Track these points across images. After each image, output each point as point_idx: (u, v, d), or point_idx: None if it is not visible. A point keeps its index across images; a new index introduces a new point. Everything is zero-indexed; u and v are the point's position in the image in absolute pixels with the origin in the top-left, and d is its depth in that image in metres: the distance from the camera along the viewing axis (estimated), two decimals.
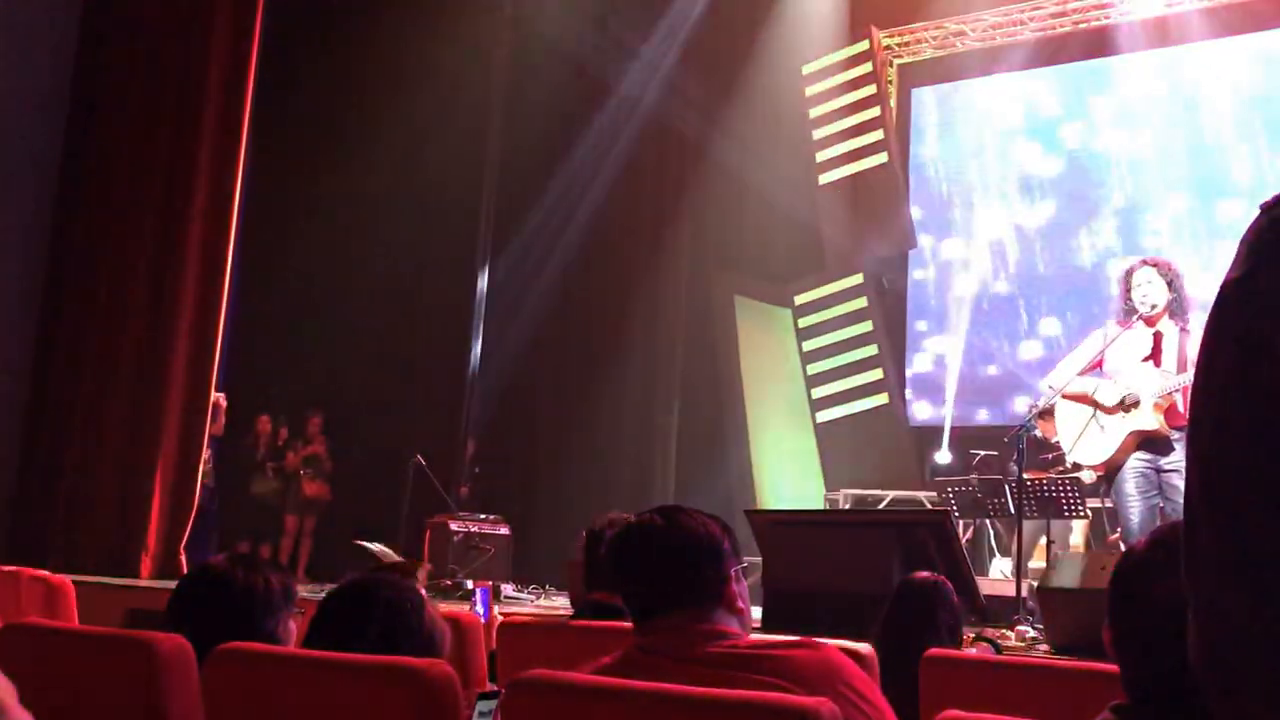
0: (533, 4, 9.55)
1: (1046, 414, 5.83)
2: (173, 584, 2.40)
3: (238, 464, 9.22)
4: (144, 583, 6.10)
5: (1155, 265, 5.01)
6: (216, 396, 7.14)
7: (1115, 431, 4.93)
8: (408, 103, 9.28)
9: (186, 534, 6.61)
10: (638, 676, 1.65)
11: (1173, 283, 4.94)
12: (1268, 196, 0.99)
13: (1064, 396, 5.18)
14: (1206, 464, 0.93)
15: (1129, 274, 5.01)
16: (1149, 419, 4.85)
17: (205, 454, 6.98)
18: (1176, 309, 4.94)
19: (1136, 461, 4.86)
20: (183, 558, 6.51)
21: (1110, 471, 4.99)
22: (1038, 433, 6.70)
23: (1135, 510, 4.82)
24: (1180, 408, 4.75)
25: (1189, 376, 4.70)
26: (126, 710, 2.02)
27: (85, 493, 6.60)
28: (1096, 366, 5.12)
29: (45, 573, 3.72)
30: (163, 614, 2.26)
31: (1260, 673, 0.87)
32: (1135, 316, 4.93)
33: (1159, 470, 4.83)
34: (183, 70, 6.94)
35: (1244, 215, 5.65)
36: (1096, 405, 5.02)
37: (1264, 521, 0.88)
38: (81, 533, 6.52)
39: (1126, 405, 4.91)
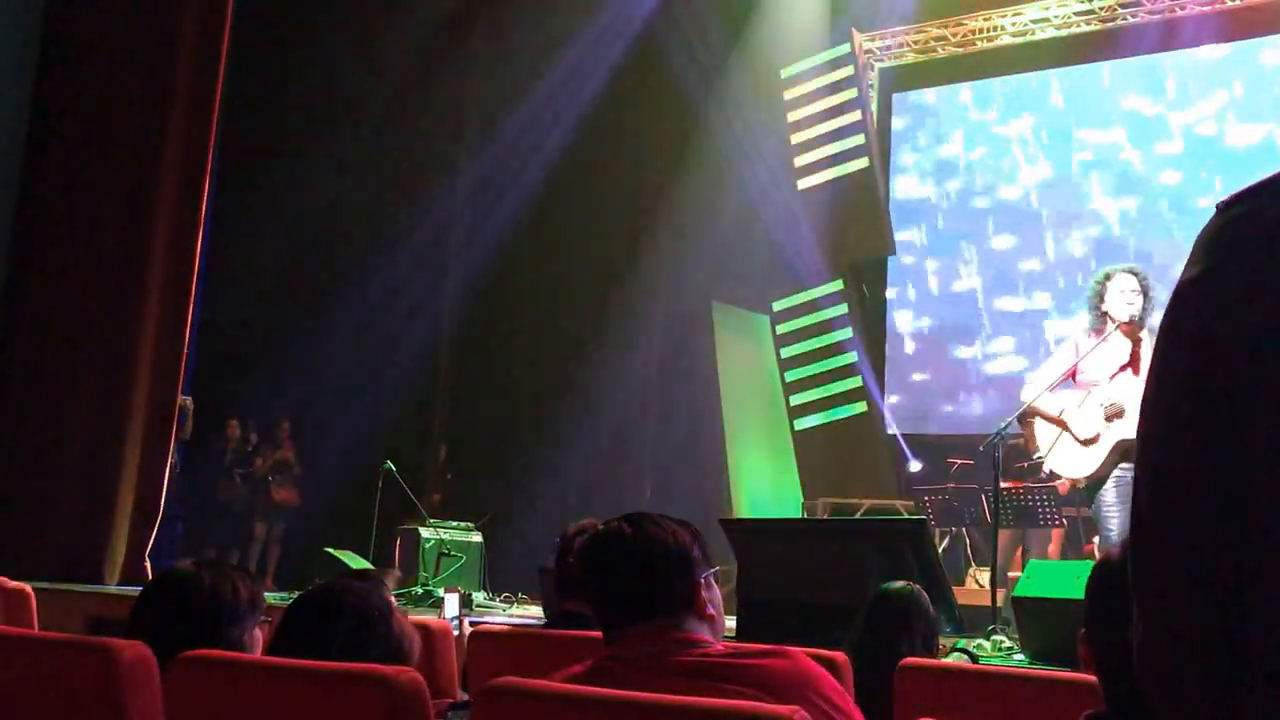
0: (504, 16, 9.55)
1: (1027, 424, 5.81)
2: (137, 590, 2.34)
3: (206, 469, 9.12)
4: (107, 589, 6.00)
5: (1134, 273, 5.00)
6: (184, 400, 7.04)
7: (1103, 443, 4.88)
8: (381, 106, 9.23)
9: (152, 539, 6.52)
10: (607, 685, 1.62)
11: (1148, 290, 4.94)
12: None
13: (1039, 416, 5.15)
14: (1157, 476, 0.91)
15: (1107, 281, 4.99)
16: (1133, 427, 4.81)
17: (172, 458, 6.89)
18: (1149, 316, 4.95)
19: (1119, 471, 4.84)
20: (147, 564, 6.42)
21: (1092, 482, 4.95)
22: (1014, 441, 6.71)
23: (1115, 519, 4.79)
24: None
25: None
26: (86, 719, 1.97)
27: (48, 497, 6.48)
28: (1069, 378, 5.10)
29: (3, 579, 3.63)
30: (126, 620, 2.21)
31: (1203, 679, 0.86)
32: (1114, 324, 4.92)
33: None
34: (150, 72, 6.86)
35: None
36: (1070, 432, 4.98)
37: (1214, 534, 0.86)
38: (44, 538, 6.40)
39: (1109, 416, 4.88)
